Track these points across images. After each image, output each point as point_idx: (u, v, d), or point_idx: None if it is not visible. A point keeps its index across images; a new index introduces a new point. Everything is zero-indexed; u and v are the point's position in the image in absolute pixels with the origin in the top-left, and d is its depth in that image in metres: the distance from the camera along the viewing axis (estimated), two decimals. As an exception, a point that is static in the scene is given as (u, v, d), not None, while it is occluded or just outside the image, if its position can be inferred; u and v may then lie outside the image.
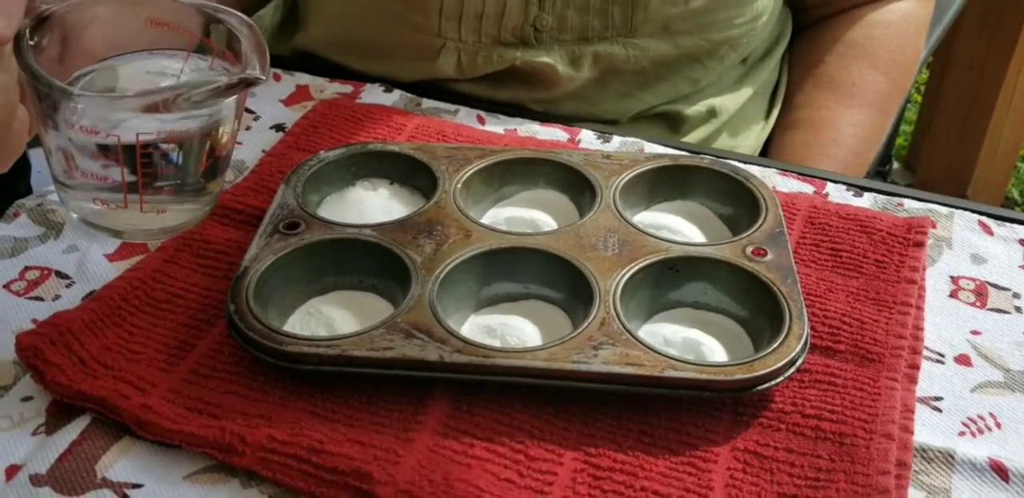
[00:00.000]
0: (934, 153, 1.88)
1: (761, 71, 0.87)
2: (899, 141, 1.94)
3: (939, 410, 0.53)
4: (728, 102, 0.84)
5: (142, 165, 0.47)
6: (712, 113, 0.83)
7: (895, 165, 1.93)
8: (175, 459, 0.48)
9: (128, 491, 0.46)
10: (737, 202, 0.62)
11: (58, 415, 0.50)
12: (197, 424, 0.48)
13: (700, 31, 0.78)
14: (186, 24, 0.50)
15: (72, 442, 0.48)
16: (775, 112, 0.88)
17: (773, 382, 0.49)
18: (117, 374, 0.51)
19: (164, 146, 0.47)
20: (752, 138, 0.87)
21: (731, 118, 0.84)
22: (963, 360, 0.56)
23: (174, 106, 0.44)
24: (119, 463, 0.48)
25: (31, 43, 0.46)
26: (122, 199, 0.48)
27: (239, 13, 0.49)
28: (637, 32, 0.76)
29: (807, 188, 0.69)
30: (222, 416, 0.49)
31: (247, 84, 0.46)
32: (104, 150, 0.47)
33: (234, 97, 0.47)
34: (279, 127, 0.74)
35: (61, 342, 0.52)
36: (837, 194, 0.69)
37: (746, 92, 0.85)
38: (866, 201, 0.68)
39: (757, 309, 0.54)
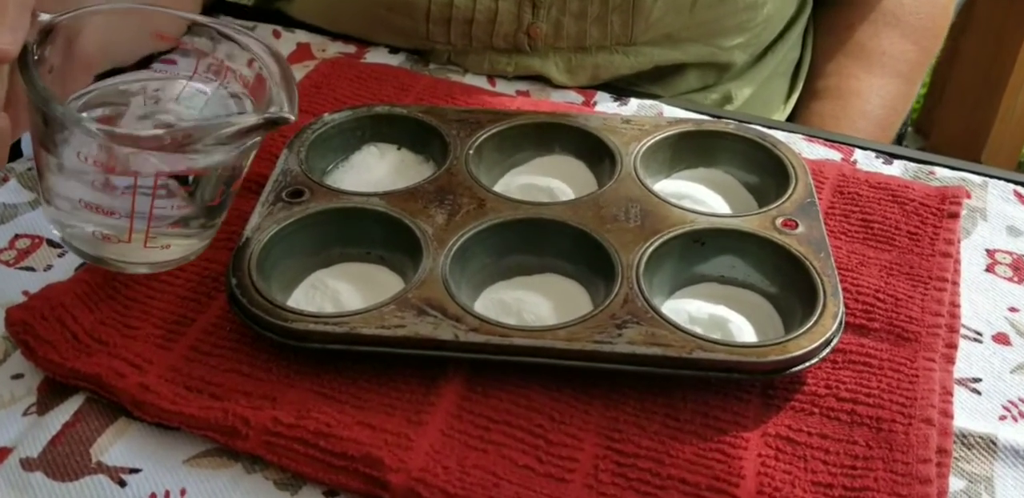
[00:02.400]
0: (948, 117, 1.84)
1: (778, 52, 0.83)
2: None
3: (978, 392, 0.50)
4: (743, 87, 0.80)
5: (156, 199, 0.44)
6: (727, 99, 0.79)
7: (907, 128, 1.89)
8: (174, 442, 0.45)
9: (125, 476, 0.44)
10: (764, 170, 0.59)
11: (50, 394, 0.47)
12: (197, 405, 0.45)
13: (708, 38, 0.74)
14: (197, 43, 0.47)
15: (65, 423, 0.46)
16: (796, 94, 0.85)
17: (807, 364, 0.46)
18: (112, 351, 0.48)
19: (180, 180, 0.45)
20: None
21: (747, 102, 0.80)
22: (1002, 339, 0.53)
23: (198, 145, 0.41)
24: (115, 446, 0.45)
25: (35, 57, 0.43)
26: (126, 233, 0.45)
27: (264, 40, 0.46)
28: (638, 40, 0.71)
29: (834, 155, 0.66)
30: (224, 396, 0.46)
31: (273, 124, 0.43)
32: (114, 183, 0.44)
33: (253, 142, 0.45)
34: (280, 88, 0.70)
35: (53, 316, 0.49)
36: (866, 161, 0.66)
37: (762, 75, 0.81)
38: (896, 169, 0.65)
39: (787, 285, 0.51)
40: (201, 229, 0.47)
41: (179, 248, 0.47)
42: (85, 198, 0.44)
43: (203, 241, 0.48)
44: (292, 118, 0.43)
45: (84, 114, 0.44)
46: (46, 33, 0.44)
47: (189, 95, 0.48)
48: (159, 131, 0.43)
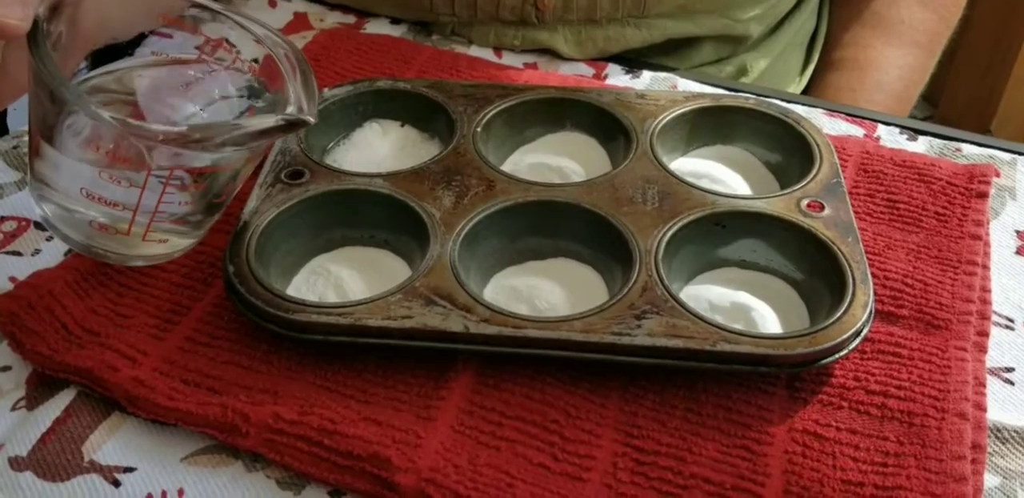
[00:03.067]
0: (957, 85, 1.80)
1: (794, 22, 0.79)
2: (921, 73, 1.86)
3: (1011, 383, 0.48)
4: (759, 59, 0.77)
5: (166, 194, 0.41)
6: (742, 71, 0.76)
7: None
8: (171, 438, 0.43)
9: (119, 475, 0.42)
10: (786, 148, 0.56)
11: (40, 388, 0.45)
12: (195, 400, 0.43)
13: (723, 9, 0.71)
14: (205, 30, 0.44)
15: (56, 419, 0.43)
16: (811, 66, 0.82)
17: (836, 356, 0.44)
18: (104, 342, 0.46)
19: (191, 176, 0.42)
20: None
21: (762, 75, 0.77)
22: (1034, 326, 0.51)
23: (213, 143, 0.39)
24: (108, 443, 0.43)
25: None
26: (127, 225, 0.42)
27: (283, 39, 0.44)
28: (651, 12, 0.68)
29: (856, 131, 0.63)
30: (222, 390, 0.44)
31: (291, 127, 0.41)
32: (124, 175, 0.41)
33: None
34: (277, 60, 0.67)
35: (41, 305, 0.47)
36: (889, 138, 0.63)
37: (778, 46, 0.78)
38: (921, 146, 0.62)
39: (813, 270, 0.49)
40: (196, 227, 0.44)
41: (174, 243, 0.44)
42: (88, 187, 0.41)
43: (196, 238, 0.46)
44: (312, 120, 0.41)
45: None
46: (54, 7, 0.41)
47: (197, 85, 0.45)
48: (179, 128, 0.40)
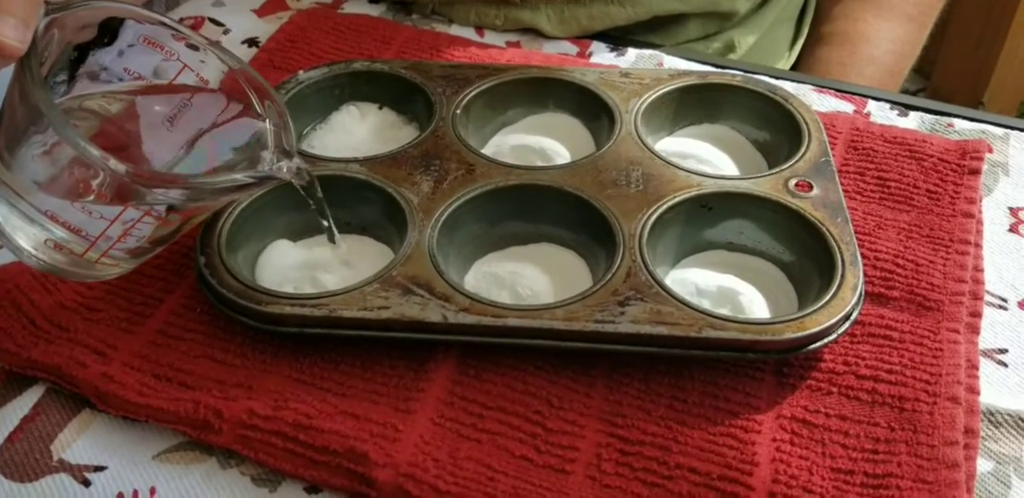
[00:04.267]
0: (949, 57, 1.78)
1: None
2: (913, 45, 1.84)
3: (1004, 364, 0.47)
4: (747, 35, 0.75)
5: (133, 229, 0.39)
6: (730, 47, 0.74)
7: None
8: (143, 435, 0.42)
9: (89, 474, 0.40)
10: (774, 126, 0.55)
11: (7, 386, 0.44)
12: (166, 396, 0.42)
13: None
14: (189, 62, 0.42)
15: (24, 418, 0.42)
16: (801, 40, 0.80)
17: (825, 340, 0.43)
18: (73, 337, 0.44)
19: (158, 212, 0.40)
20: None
21: (751, 50, 0.75)
22: (1029, 305, 0.50)
23: (217, 189, 0.38)
24: (78, 442, 0.42)
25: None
26: (83, 250, 0.40)
27: (275, 94, 0.42)
28: None
29: (846, 107, 0.62)
30: (194, 385, 0.43)
31: (268, 181, 0.40)
32: (99, 208, 0.39)
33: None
34: (252, 41, 0.66)
35: (8, 300, 0.45)
36: (880, 113, 0.61)
37: (766, 21, 0.76)
38: (912, 121, 0.61)
39: (802, 252, 0.48)
40: (143, 255, 0.43)
41: (123, 269, 0.42)
42: (54, 211, 0.39)
43: (133, 266, 0.44)
44: (288, 179, 0.41)
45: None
46: (49, 25, 0.38)
47: (181, 117, 0.44)
48: (193, 180, 0.39)
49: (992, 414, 0.44)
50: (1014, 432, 0.44)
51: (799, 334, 0.42)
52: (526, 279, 0.47)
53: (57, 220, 0.39)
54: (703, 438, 0.42)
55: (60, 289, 0.47)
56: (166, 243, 0.43)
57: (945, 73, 1.80)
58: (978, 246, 0.52)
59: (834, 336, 0.43)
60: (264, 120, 0.43)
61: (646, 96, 0.55)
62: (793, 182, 0.49)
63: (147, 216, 0.39)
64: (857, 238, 0.49)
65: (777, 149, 0.54)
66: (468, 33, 0.68)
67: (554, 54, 0.65)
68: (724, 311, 0.45)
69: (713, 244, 0.49)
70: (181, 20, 0.64)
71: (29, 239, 0.40)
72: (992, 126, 0.60)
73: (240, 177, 0.39)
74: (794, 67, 0.81)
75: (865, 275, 0.48)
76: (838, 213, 0.47)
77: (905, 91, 0.94)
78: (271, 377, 0.43)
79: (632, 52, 0.66)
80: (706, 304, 0.45)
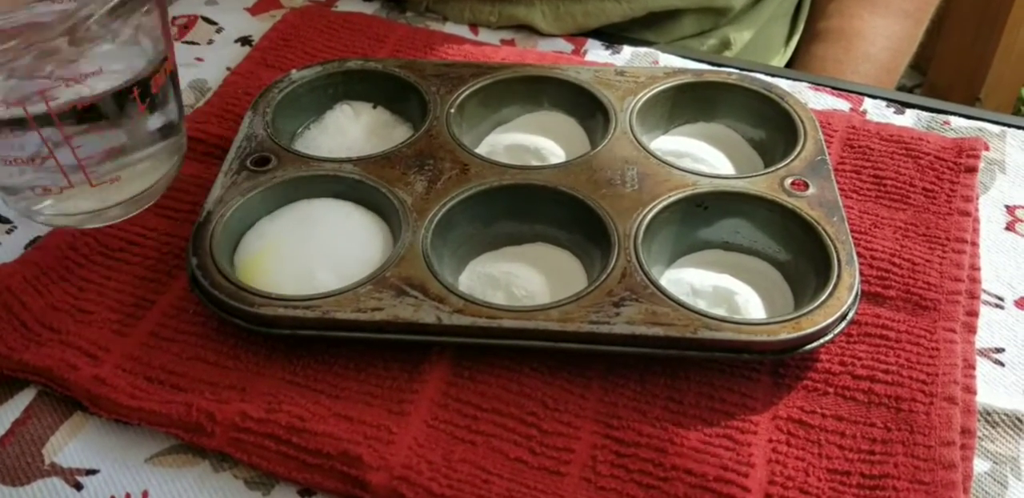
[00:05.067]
0: (946, 53, 1.78)
1: None
2: (910, 41, 1.83)
3: (1001, 363, 0.47)
4: (742, 31, 0.74)
5: (66, 129, 0.37)
6: (725, 45, 0.74)
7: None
8: (135, 438, 0.42)
9: (81, 478, 0.40)
10: (770, 124, 0.54)
11: (-2, 388, 0.43)
12: (158, 398, 0.41)
13: None
14: None
15: (15, 421, 0.42)
16: (796, 37, 0.80)
17: (822, 341, 0.43)
18: (65, 339, 0.44)
19: (83, 97, 0.37)
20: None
21: (745, 48, 0.75)
22: (1025, 304, 0.50)
23: (75, 41, 0.34)
24: (70, 445, 0.41)
25: None
26: (63, 179, 0.38)
27: None
28: None
29: (842, 104, 0.62)
30: (187, 387, 0.42)
31: None
32: (11, 123, 0.37)
33: (148, 15, 0.37)
34: (245, 40, 0.65)
35: (-1, 302, 0.45)
36: (876, 111, 0.61)
37: (762, 18, 0.76)
38: (908, 119, 0.61)
39: (798, 251, 0.47)
40: (149, 144, 0.39)
41: (137, 175, 0.39)
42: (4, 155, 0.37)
43: (170, 154, 0.40)
44: None
45: None
46: None
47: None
48: (26, 24, 0.35)
49: (989, 414, 0.44)
50: (1011, 432, 0.43)
51: (795, 334, 0.42)
52: (521, 279, 0.46)
53: (8, 160, 0.37)
54: (699, 439, 0.41)
55: (51, 291, 0.46)
56: (169, 134, 0.39)
57: (942, 69, 1.80)
58: (975, 244, 0.51)
59: (830, 336, 0.43)
60: None
61: (641, 94, 0.54)
62: (789, 181, 0.49)
63: (58, 112, 0.35)
64: (853, 237, 0.49)
65: (773, 147, 0.53)
66: (462, 31, 0.67)
67: (549, 52, 0.64)
68: (720, 311, 0.44)
69: (709, 243, 0.49)
70: (174, 19, 0.64)
71: (27, 200, 0.39)
72: (989, 124, 0.60)
73: None
74: (789, 64, 0.80)
75: (861, 274, 0.47)
76: (834, 212, 0.47)
77: (901, 87, 0.94)
78: (264, 379, 0.43)
79: (627, 50, 0.65)
80: (702, 304, 0.45)
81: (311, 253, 0.45)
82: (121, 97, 0.39)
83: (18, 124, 0.37)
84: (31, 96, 0.36)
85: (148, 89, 0.40)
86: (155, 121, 0.40)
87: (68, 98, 0.37)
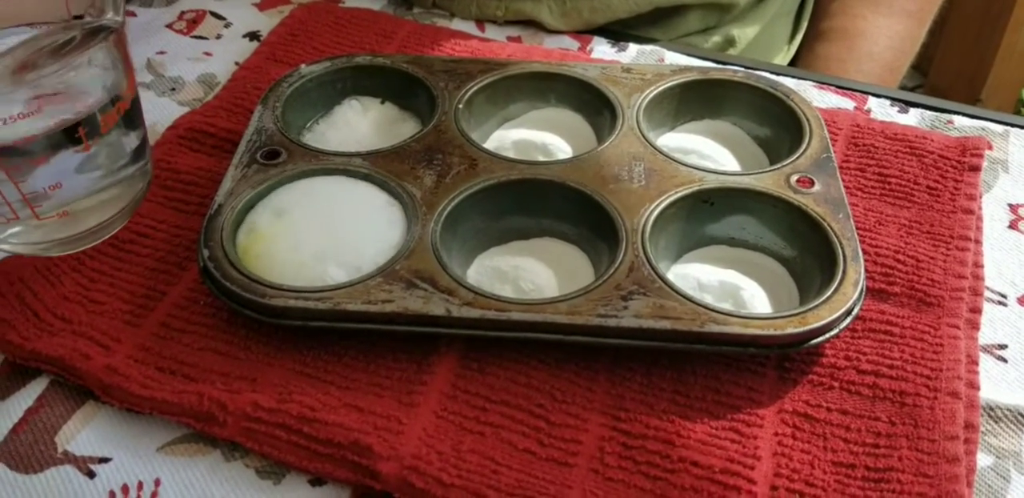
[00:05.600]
0: (948, 54, 1.79)
1: None
2: (911, 42, 1.84)
3: (1004, 360, 0.47)
4: (746, 29, 0.75)
5: (6, 164, 0.36)
6: (730, 42, 0.74)
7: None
8: (147, 427, 0.42)
9: (94, 466, 0.41)
10: (775, 122, 0.55)
11: (10, 377, 0.44)
12: (170, 389, 0.42)
13: None
14: None
15: (28, 410, 0.42)
16: (799, 35, 0.80)
17: (827, 335, 0.43)
18: (77, 329, 0.44)
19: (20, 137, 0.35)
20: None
21: (750, 45, 0.76)
22: (1028, 301, 0.50)
23: (25, 76, 0.33)
24: (83, 434, 0.42)
25: None
26: (9, 211, 0.37)
27: None
28: None
29: (847, 103, 0.62)
30: (198, 377, 0.43)
31: (104, 32, 0.36)
32: None
33: (100, 51, 0.36)
34: (253, 35, 0.66)
35: (12, 293, 0.45)
36: (880, 110, 0.62)
37: (766, 15, 0.76)
38: (912, 118, 0.61)
39: (803, 247, 0.48)
40: (104, 180, 0.38)
41: (85, 212, 0.39)
42: None
43: (133, 183, 0.39)
44: (121, 21, 0.35)
45: None
46: None
47: None
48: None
49: (992, 409, 0.44)
50: (1013, 427, 0.44)
51: (801, 329, 0.42)
52: (528, 273, 0.47)
53: None
54: (705, 432, 0.42)
55: (63, 281, 0.47)
56: (117, 161, 0.37)
57: (943, 70, 1.81)
58: (978, 242, 0.52)
59: (836, 331, 0.43)
60: None
61: (648, 91, 0.55)
62: (795, 178, 0.50)
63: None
64: (858, 234, 0.49)
65: (778, 145, 0.54)
66: (469, 27, 0.68)
67: (555, 49, 0.65)
68: (726, 306, 0.45)
69: (715, 239, 0.50)
70: (182, 13, 0.64)
71: None
72: (992, 123, 0.61)
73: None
74: (792, 63, 0.81)
75: (866, 271, 0.48)
76: (839, 209, 0.48)
77: (903, 88, 0.95)
78: (275, 370, 0.43)
79: (633, 47, 0.66)
80: (708, 299, 0.45)
81: (321, 231, 0.45)
82: (66, 135, 0.38)
83: None
84: None
85: (96, 128, 0.39)
86: (107, 158, 0.40)
87: (5, 136, 0.37)
